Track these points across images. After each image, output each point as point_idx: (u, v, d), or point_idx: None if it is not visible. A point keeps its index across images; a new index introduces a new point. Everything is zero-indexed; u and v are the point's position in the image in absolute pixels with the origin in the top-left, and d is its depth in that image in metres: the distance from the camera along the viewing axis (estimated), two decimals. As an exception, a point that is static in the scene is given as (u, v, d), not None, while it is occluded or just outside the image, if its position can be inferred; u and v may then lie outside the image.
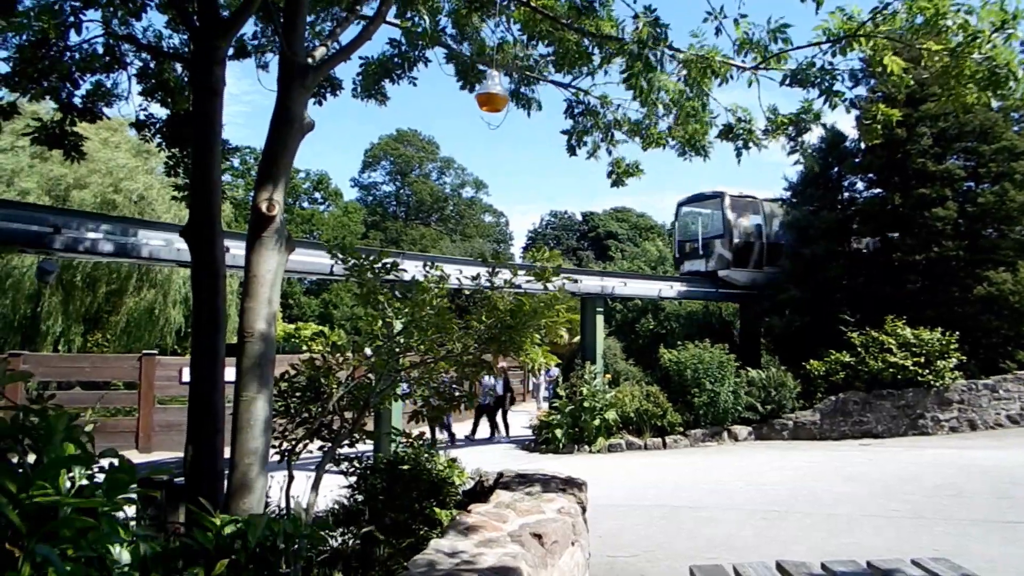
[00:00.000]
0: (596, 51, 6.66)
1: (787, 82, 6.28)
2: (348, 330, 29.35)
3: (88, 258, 14.84)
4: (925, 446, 14.88)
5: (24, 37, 6.11)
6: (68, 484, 2.54)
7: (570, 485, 5.68)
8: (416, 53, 7.43)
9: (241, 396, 4.49)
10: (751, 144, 6.62)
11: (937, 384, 16.42)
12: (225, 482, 4.66)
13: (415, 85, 7.90)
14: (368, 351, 6.72)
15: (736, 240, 20.31)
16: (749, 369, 17.45)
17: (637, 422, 16.09)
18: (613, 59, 6.55)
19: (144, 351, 17.80)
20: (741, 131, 6.58)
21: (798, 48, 6.30)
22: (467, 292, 7.15)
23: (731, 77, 6.28)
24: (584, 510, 5.56)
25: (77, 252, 10.85)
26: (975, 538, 7.51)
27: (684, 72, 5.89)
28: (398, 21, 7.19)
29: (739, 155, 6.68)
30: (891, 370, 16.50)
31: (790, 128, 6.61)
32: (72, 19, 6.00)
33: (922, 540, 7.36)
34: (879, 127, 6.60)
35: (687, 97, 6.54)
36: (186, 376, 12.50)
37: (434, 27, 7.05)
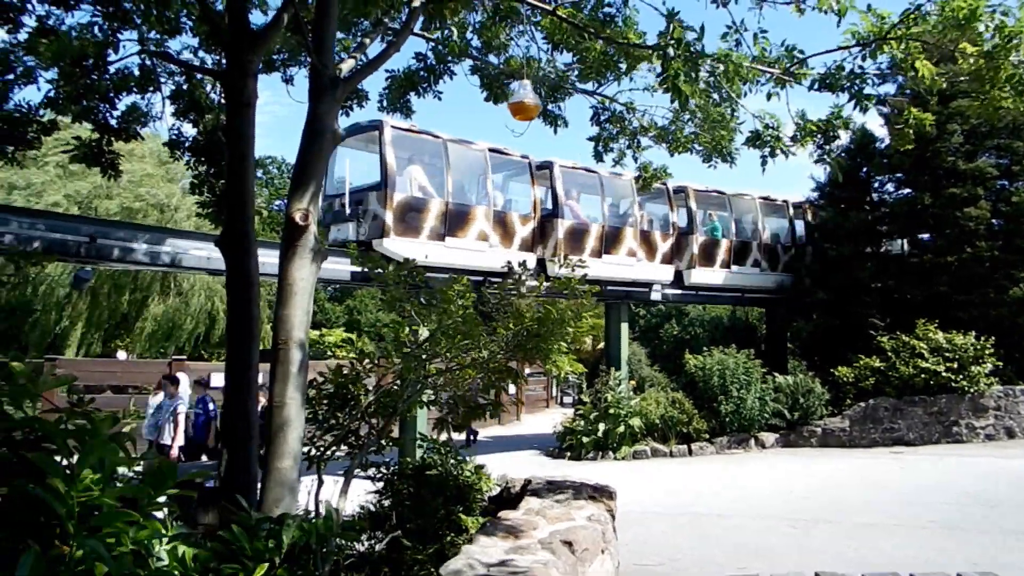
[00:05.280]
0: (622, 59, 6.68)
1: (816, 87, 6.24)
2: (372, 336, 29.55)
3: (123, 267, 15.18)
4: (960, 454, 14.59)
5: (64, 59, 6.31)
6: (111, 483, 2.63)
7: (600, 493, 5.69)
8: (442, 66, 7.52)
9: (275, 402, 4.58)
10: (778, 151, 6.57)
11: (971, 390, 16.08)
12: (258, 486, 4.74)
13: (440, 99, 7.99)
14: (396, 358, 6.78)
15: (399, 194, 13.26)
16: (776, 375, 17.24)
17: (662, 429, 15.98)
18: (638, 65, 6.57)
19: (173, 357, 18.15)
20: (768, 138, 6.54)
21: (827, 52, 6.26)
22: (492, 299, 7.19)
23: (758, 83, 6.26)
24: (614, 518, 5.56)
25: (111, 261, 11.11)
26: (1015, 550, 7.34)
27: (712, 77, 5.87)
28: (425, 34, 7.29)
29: (764, 163, 6.64)
30: (923, 376, 16.20)
31: (818, 135, 6.56)
32: (110, 38, 6.18)
33: (958, 552, 7.21)
34: (911, 132, 6.52)
35: (715, 102, 6.53)
36: (214, 382, 12.70)
37: (461, 39, 7.14)
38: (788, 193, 21.67)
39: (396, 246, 12.67)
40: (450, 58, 7.44)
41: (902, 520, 8.84)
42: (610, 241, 16.34)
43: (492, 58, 7.57)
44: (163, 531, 2.68)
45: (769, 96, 6.26)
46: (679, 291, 18.41)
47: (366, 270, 6.70)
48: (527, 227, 15.14)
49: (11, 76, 6.90)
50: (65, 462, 2.58)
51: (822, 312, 19.30)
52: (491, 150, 15.02)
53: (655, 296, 17.83)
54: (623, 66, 6.84)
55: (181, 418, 11.04)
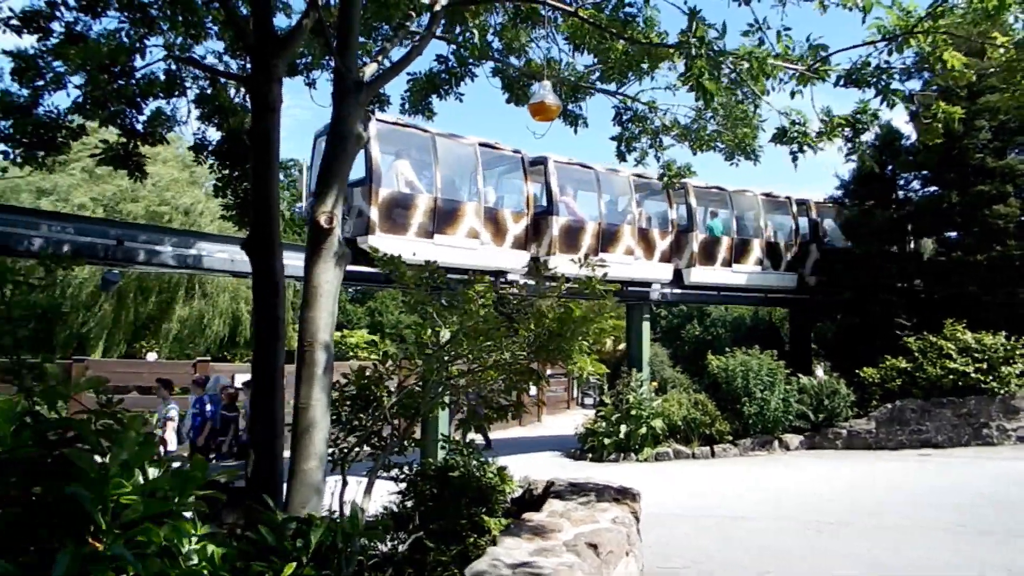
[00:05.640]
0: (644, 58, 6.64)
1: (841, 83, 6.16)
2: (393, 338, 29.71)
3: (151, 270, 15.39)
4: (991, 457, 14.31)
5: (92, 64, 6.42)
6: (142, 482, 2.67)
7: (624, 495, 5.66)
8: (463, 68, 7.54)
9: (301, 404, 4.62)
10: (806, 147, 6.49)
11: (1002, 391, 15.77)
12: (284, 486, 4.79)
13: (461, 101, 8.00)
14: (418, 360, 6.79)
15: (385, 190, 12.71)
16: (800, 376, 17.06)
17: (685, 431, 15.87)
18: (660, 64, 6.53)
19: (198, 358, 18.38)
20: (796, 134, 6.47)
21: (852, 48, 6.17)
22: (513, 300, 7.19)
23: (782, 80, 6.19)
24: (638, 520, 5.53)
25: (138, 263, 11.28)
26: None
27: (736, 74, 5.82)
28: (446, 37, 7.31)
29: (795, 159, 6.55)
30: (951, 376, 15.91)
31: (846, 130, 6.47)
32: (137, 44, 6.28)
33: (990, 557, 7.06)
34: (939, 126, 6.41)
35: (738, 100, 6.48)
36: (237, 382, 12.85)
37: (483, 42, 7.15)
38: (811, 192, 21.21)
39: (381, 243, 11.70)
40: (471, 60, 7.45)
41: (931, 524, 8.69)
42: (607, 239, 15.81)
43: (513, 60, 7.58)
44: (192, 530, 2.72)
45: (793, 94, 6.19)
46: (679, 291, 17.74)
47: (388, 269, 6.76)
48: (520, 224, 14.64)
49: (41, 82, 7.04)
50: (97, 461, 2.64)
51: (845, 312, 19.02)
52: (482, 144, 14.47)
53: (654, 296, 17.24)
54: (645, 65, 6.81)
55: (171, 423, 11.25)
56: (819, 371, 17.94)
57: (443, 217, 13.36)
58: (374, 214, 12.48)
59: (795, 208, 19.93)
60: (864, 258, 18.68)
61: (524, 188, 15.06)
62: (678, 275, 17.46)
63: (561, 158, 15.64)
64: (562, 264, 14.01)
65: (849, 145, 6.69)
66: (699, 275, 17.58)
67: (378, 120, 12.82)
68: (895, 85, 6.24)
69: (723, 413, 16.07)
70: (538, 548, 4.26)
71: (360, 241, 12.29)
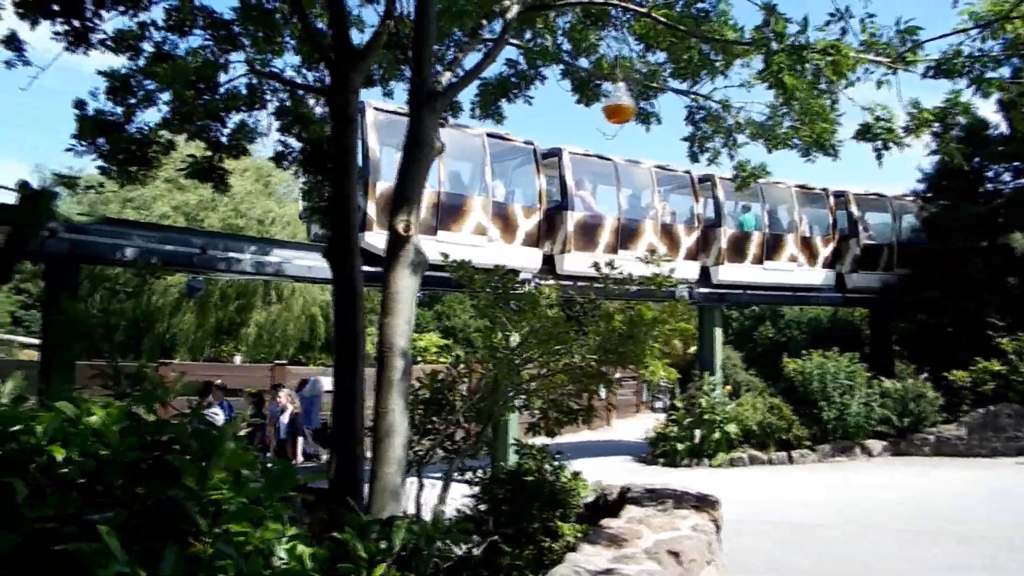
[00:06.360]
0: (719, 56, 6.50)
1: (931, 74, 5.86)
2: (461, 342, 30.03)
3: (232, 277, 15.92)
4: (1095, 465, 13.38)
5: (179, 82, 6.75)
6: (236, 484, 2.76)
7: (704, 502, 5.54)
8: (533, 71, 7.55)
9: (380, 408, 4.71)
10: (891, 144, 6.19)
11: (1108, 396, 14.73)
12: (365, 488, 4.89)
13: (531, 104, 8.02)
14: (489, 364, 6.84)
15: (384, 183, 11.85)
16: (882, 379, 16.35)
17: (760, 436, 15.43)
18: (734, 61, 6.38)
19: (275, 362, 19.04)
20: (880, 130, 6.18)
21: (942, 36, 5.87)
22: (579, 302, 7.15)
23: (868, 71, 5.94)
24: (719, 528, 5.40)
25: (220, 271, 11.76)
26: None
27: (817, 69, 5.61)
28: (516, 41, 7.34)
29: (879, 156, 6.26)
30: (1052, 380, 14.98)
31: (935, 124, 6.15)
32: (221, 60, 6.56)
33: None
34: (1037, 114, 6.03)
35: (816, 94, 6.26)
36: (326, 385, 13.14)
37: (554, 46, 7.14)
38: (888, 186, 20.11)
39: (379, 241, 10.21)
40: (540, 63, 7.45)
41: (1033, 537, 8.17)
42: (627, 236, 14.72)
43: (583, 61, 7.54)
44: (284, 531, 2.80)
45: (880, 84, 5.91)
46: (706, 289, 16.64)
47: (458, 274, 6.83)
48: (532, 220, 13.68)
49: (133, 100, 7.44)
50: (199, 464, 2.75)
51: (932, 312, 18.08)
52: (490, 135, 13.39)
53: (679, 295, 16.55)
54: (719, 63, 6.66)
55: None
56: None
57: (447, 212, 12.54)
58: (371, 209, 11.53)
59: (832, 201, 18.57)
60: (949, 254, 17.72)
61: (536, 181, 14.11)
62: (705, 273, 16.43)
63: (577, 149, 14.74)
64: (577, 263, 13.55)
65: (939, 140, 6.35)
66: (728, 273, 16.48)
67: (376, 108, 11.92)
68: (989, 74, 5.90)
69: (800, 418, 15.59)
70: (618, 555, 4.21)
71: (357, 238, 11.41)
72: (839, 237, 18.45)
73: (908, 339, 19.37)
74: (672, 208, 16.50)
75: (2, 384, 2.90)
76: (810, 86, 5.85)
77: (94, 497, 2.55)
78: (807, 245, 17.79)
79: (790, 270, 17.43)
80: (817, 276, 18.01)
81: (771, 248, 17.06)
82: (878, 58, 6.02)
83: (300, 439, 13.82)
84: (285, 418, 13.63)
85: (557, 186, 14.40)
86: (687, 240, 16.01)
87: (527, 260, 13.47)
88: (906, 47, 5.98)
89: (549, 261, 13.95)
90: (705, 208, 16.58)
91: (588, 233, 14.33)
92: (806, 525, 9.15)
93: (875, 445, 15.68)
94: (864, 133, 6.24)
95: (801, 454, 15.23)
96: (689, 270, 15.78)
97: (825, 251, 18.10)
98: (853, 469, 14.28)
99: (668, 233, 15.73)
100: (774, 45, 4.91)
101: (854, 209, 18.84)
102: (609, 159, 15.23)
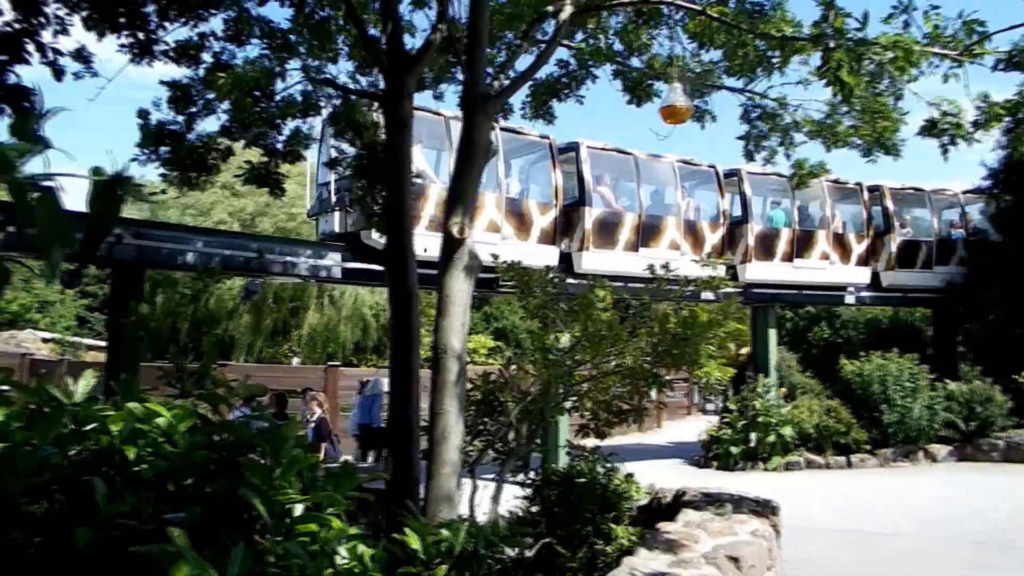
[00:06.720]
0: (776, 52, 6.34)
1: (1000, 66, 5.61)
2: (512, 343, 30.08)
3: (287, 280, 16.15)
4: None
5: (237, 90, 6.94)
6: (300, 484, 2.82)
7: (763, 507, 5.43)
8: (584, 71, 7.51)
9: (435, 410, 4.75)
10: (959, 139, 5.94)
11: None
12: (421, 489, 4.94)
13: (582, 103, 7.98)
14: (541, 365, 6.82)
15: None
16: (947, 382, 15.73)
17: (817, 439, 15.03)
18: (791, 58, 6.22)
19: (329, 363, 19.38)
20: (947, 125, 5.95)
21: (1012, 28, 5.60)
22: (632, 304, 7.08)
23: (933, 64, 5.72)
24: (779, 534, 5.28)
25: (276, 274, 12.03)
26: None
27: (877, 66, 5.43)
28: (567, 42, 7.32)
29: (945, 152, 6.02)
30: None
31: (1007, 118, 5.87)
32: (277, 69, 6.72)
33: None
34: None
35: (876, 92, 6.05)
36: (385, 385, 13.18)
37: (607, 46, 7.10)
38: (952, 183, 19.24)
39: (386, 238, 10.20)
40: (592, 63, 7.41)
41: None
42: (648, 233, 14.15)
43: (634, 60, 7.47)
44: (346, 530, 2.84)
45: (946, 78, 5.68)
46: (731, 289, 16.06)
47: (507, 276, 6.85)
48: (547, 217, 13.21)
49: (194, 109, 7.69)
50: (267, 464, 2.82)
51: (1000, 312, 17.28)
52: (503, 129, 12.80)
53: (704, 296, 15.80)
54: (775, 60, 6.50)
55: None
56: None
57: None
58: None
59: (866, 195, 17.67)
60: (1018, 250, 16.90)
61: (553, 177, 13.60)
62: (731, 272, 15.23)
63: (595, 143, 14.21)
64: (595, 261, 13.17)
65: (1010, 135, 6.06)
66: (755, 271, 15.73)
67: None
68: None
69: (859, 421, 15.13)
70: (676, 559, 4.16)
71: (363, 236, 11.00)
72: (876, 233, 17.59)
73: (974, 340, 18.56)
74: (696, 204, 15.95)
75: (73, 384, 3.00)
76: (869, 84, 5.65)
77: (166, 496, 2.63)
78: (840, 242, 16.99)
79: (822, 268, 16.65)
80: (851, 274, 17.17)
81: (802, 245, 16.35)
82: (944, 51, 5.79)
83: (324, 444, 14.01)
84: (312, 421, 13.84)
85: (575, 182, 14.03)
86: (712, 237, 15.39)
87: (542, 258, 12.60)
88: (973, 39, 5.73)
89: (566, 259, 13.54)
90: (732, 204, 15.99)
91: (607, 230, 13.84)
92: (872, 533, 8.86)
93: (939, 450, 15.12)
94: (930, 129, 6.00)
95: (860, 458, 14.78)
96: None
97: (859, 248, 17.24)
98: (917, 474, 13.79)
99: (692, 230, 15.13)
100: (832, 42, 4.76)
101: (890, 204, 17.93)
102: (629, 153, 14.76)
